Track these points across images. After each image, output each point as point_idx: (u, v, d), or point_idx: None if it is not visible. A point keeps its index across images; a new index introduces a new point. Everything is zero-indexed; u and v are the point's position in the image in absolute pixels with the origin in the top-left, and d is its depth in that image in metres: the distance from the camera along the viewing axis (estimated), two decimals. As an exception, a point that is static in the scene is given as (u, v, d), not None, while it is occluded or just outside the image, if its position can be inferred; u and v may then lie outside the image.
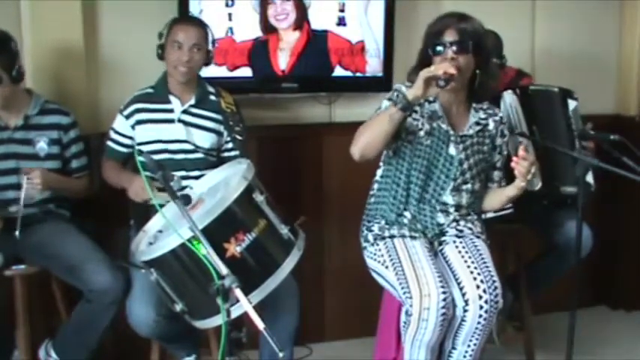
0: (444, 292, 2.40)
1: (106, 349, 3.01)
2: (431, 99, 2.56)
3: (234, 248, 2.15)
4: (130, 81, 3.10)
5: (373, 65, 3.51)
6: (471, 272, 2.50)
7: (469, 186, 2.61)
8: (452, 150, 2.55)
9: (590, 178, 3.09)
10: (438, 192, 2.58)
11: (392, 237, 2.59)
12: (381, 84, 3.51)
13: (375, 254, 2.62)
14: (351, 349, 3.53)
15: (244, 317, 1.97)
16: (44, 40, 3.12)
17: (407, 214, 2.61)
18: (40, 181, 2.69)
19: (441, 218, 2.61)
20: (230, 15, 3.31)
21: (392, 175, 2.64)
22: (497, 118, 2.66)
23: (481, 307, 2.46)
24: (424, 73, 2.34)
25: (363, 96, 3.60)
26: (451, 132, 2.56)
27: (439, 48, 2.47)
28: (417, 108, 2.53)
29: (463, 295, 2.48)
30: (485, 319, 2.47)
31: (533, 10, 3.79)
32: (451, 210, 2.61)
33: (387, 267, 2.54)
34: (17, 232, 2.63)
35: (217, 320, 2.11)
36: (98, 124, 3.21)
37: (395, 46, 3.51)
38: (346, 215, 3.51)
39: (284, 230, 2.29)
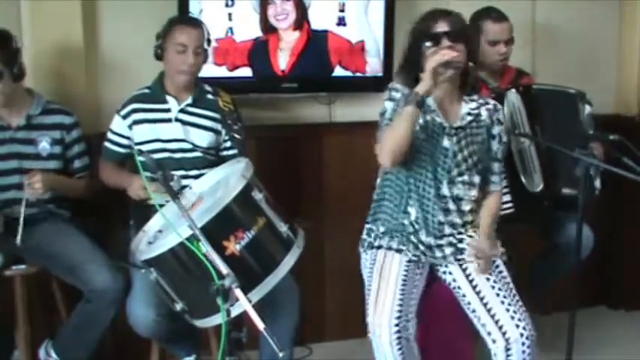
0: (396, 325, 2.40)
1: (106, 349, 3.01)
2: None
3: (234, 246, 2.15)
4: (130, 81, 3.10)
5: (373, 65, 3.51)
6: (507, 309, 2.46)
7: (465, 177, 2.57)
8: (445, 142, 2.54)
9: (597, 182, 3.09)
10: (437, 185, 2.55)
11: (379, 247, 2.58)
12: (381, 84, 3.47)
13: (364, 263, 2.63)
14: (351, 349, 3.52)
15: (244, 317, 1.97)
16: (44, 39, 3.13)
17: (411, 210, 2.56)
18: (40, 185, 2.69)
19: (440, 216, 2.57)
20: (230, 15, 3.31)
21: (395, 171, 2.61)
22: (489, 106, 2.64)
23: (523, 344, 2.43)
24: (432, 64, 2.34)
25: (363, 96, 3.60)
26: (445, 124, 2.54)
27: (432, 41, 2.46)
28: None
29: (503, 334, 2.45)
30: (529, 355, 2.45)
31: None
32: (450, 205, 2.57)
33: (366, 278, 2.58)
34: (18, 238, 2.63)
35: (217, 319, 2.11)
36: (98, 123, 3.21)
37: (395, 46, 3.50)
38: (346, 215, 3.51)
39: (283, 228, 2.29)
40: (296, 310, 2.74)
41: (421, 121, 2.52)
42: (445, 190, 2.56)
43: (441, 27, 2.48)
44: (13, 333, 2.86)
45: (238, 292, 1.93)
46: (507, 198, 3.06)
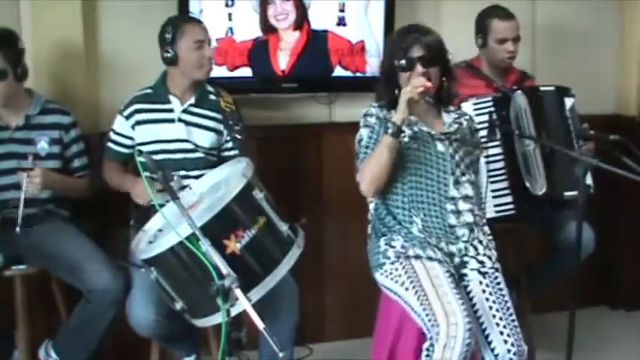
0: (469, 322, 2.36)
1: (106, 349, 3.01)
2: None
3: (234, 245, 2.15)
4: (130, 81, 3.10)
5: (373, 65, 3.50)
6: (497, 324, 2.49)
7: (467, 176, 2.62)
8: (440, 147, 2.60)
9: (589, 179, 3.08)
10: (443, 189, 2.57)
11: (408, 257, 2.51)
12: (381, 84, 3.51)
13: (391, 273, 2.53)
14: (351, 349, 3.52)
15: (244, 317, 1.97)
16: (44, 39, 3.13)
17: (416, 219, 2.56)
18: (40, 180, 2.69)
19: (452, 219, 2.57)
20: (230, 15, 3.31)
21: (389, 187, 2.60)
22: (467, 116, 2.74)
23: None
24: (406, 95, 2.44)
25: (363, 96, 3.57)
26: (432, 132, 2.61)
27: (407, 64, 2.55)
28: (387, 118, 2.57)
29: (492, 350, 2.47)
30: None
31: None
32: (461, 205, 2.58)
33: (406, 289, 2.48)
34: (17, 228, 2.62)
35: (217, 318, 2.11)
36: (98, 123, 3.22)
37: (395, 46, 3.50)
38: (346, 215, 3.51)
39: (284, 228, 2.29)
40: (296, 310, 2.73)
41: (409, 131, 2.57)
42: (453, 191, 2.59)
43: (416, 52, 2.54)
44: (13, 333, 2.86)
45: (238, 292, 1.93)
46: (508, 200, 3.07)
